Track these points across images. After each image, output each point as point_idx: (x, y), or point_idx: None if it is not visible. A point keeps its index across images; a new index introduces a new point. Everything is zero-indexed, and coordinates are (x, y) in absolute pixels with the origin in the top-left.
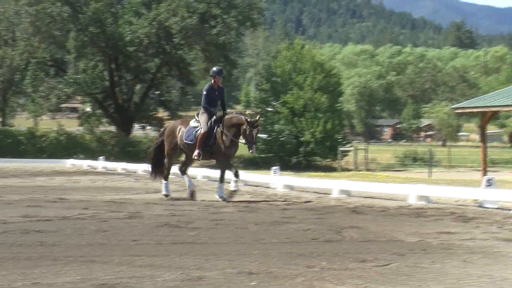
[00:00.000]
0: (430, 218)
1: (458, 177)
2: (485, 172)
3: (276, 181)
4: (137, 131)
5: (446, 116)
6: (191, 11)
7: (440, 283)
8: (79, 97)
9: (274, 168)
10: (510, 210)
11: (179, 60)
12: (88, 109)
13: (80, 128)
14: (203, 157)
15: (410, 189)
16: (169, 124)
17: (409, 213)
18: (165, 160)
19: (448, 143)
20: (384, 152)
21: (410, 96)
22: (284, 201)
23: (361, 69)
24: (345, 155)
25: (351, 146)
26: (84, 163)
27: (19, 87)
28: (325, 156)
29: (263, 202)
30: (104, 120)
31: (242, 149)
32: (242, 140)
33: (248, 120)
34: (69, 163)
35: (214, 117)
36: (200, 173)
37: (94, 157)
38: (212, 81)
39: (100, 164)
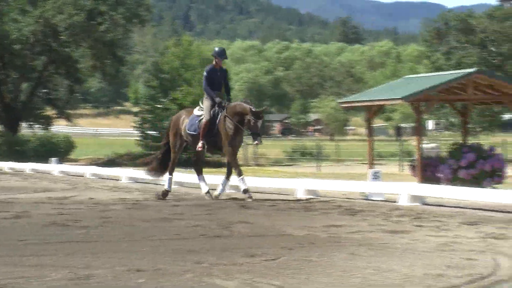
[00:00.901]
0: (318, 212)
1: (346, 171)
2: (371, 165)
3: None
4: (25, 130)
5: (333, 111)
6: (78, 8)
7: (328, 275)
8: None
9: None
10: (395, 202)
11: (66, 57)
12: None
13: None
14: (208, 148)
15: (298, 184)
16: (172, 117)
17: (298, 207)
18: (171, 155)
19: (336, 137)
20: (273, 147)
21: (298, 91)
22: (173, 198)
23: (249, 64)
24: None
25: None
26: None
27: None
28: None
29: (152, 199)
30: None
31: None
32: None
33: (253, 110)
34: None
35: (218, 99)
36: (89, 170)
37: None
38: (214, 62)
39: None
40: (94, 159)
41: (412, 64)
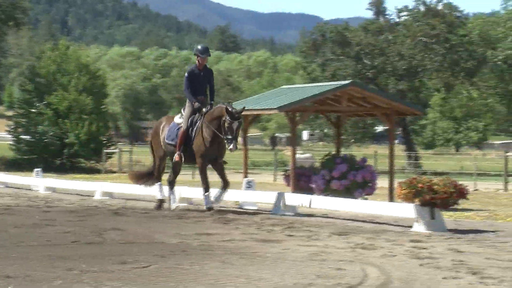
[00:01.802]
0: (191, 220)
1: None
2: (246, 175)
3: (39, 183)
4: None
5: None
6: None
7: (199, 283)
8: None
9: (36, 170)
10: (269, 211)
11: None
12: None
13: None
14: (186, 160)
15: (174, 191)
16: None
17: (172, 215)
18: (156, 162)
19: None
20: (148, 154)
21: (175, 99)
22: (45, 203)
23: (127, 71)
24: (110, 157)
25: (115, 148)
26: None
27: None
28: (89, 158)
29: (24, 205)
30: None
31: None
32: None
33: (229, 109)
34: None
35: (197, 105)
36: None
37: None
38: (197, 61)
39: None
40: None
41: (288, 74)
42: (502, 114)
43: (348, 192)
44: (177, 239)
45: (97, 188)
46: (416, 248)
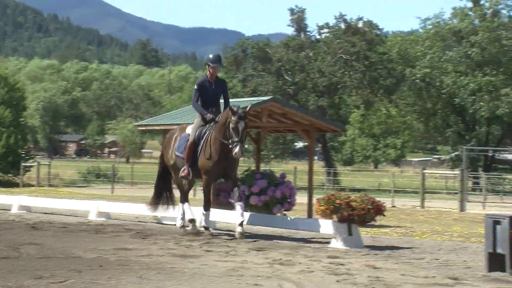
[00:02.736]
0: (109, 234)
1: (140, 194)
2: None
3: None
4: None
5: (130, 133)
6: None
7: None
8: None
9: None
10: (187, 227)
11: None
12: None
13: None
14: (195, 175)
15: (91, 205)
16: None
17: (89, 229)
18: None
19: (131, 160)
20: (67, 168)
21: (95, 112)
22: None
23: (47, 84)
24: (28, 170)
25: (34, 161)
26: None
27: None
28: (7, 171)
29: None
30: None
31: None
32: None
33: (234, 109)
34: None
35: (209, 116)
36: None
37: None
38: (208, 72)
39: None
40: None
41: None
42: (420, 131)
43: (267, 207)
44: (94, 254)
45: (14, 202)
46: (333, 264)
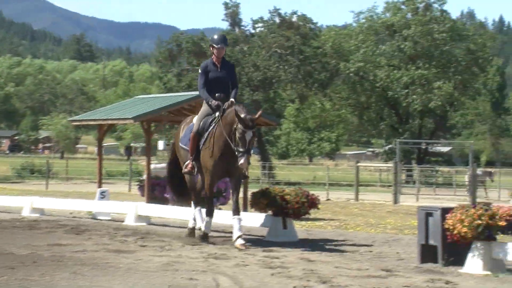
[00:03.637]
0: (43, 230)
1: (75, 189)
2: (100, 184)
3: None
4: None
5: (64, 128)
6: None
7: None
8: None
9: None
10: (122, 221)
11: None
12: None
13: None
14: (200, 170)
15: (24, 201)
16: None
17: (23, 226)
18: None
19: (66, 155)
20: (1, 164)
21: (29, 108)
22: None
23: None
24: None
25: None
26: None
27: None
28: None
29: None
30: None
31: None
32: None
33: (241, 116)
34: None
35: (214, 102)
36: None
37: None
38: (213, 55)
39: None
40: None
41: (144, 84)
42: (354, 125)
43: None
44: (28, 250)
45: None
46: (268, 257)
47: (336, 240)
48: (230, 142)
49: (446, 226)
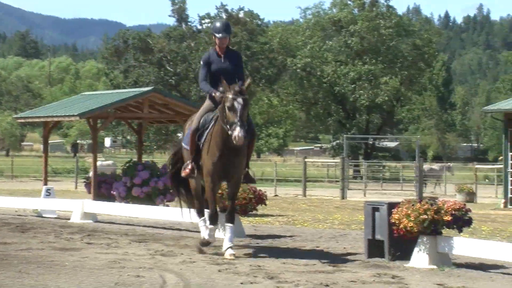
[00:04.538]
0: None
1: (21, 187)
2: (46, 182)
3: None
4: None
5: (9, 126)
6: None
7: None
8: None
9: None
10: (68, 219)
11: None
12: None
13: None
14: (199, 173)
15: None
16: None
17: None
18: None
19: (11, 153)
20: None
21: None
22: None
23: None
24: None
25: None
26: None
27: None
28: None
29: None
30: None
31: None
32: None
33: (229, 85)
34: None
35: (211, 90)
36: None
37: None
38: (216, 45)
39: None
40: None
41: (90, 81)
42: (302, 120)
43: (150, 199)
44: None
45: None
46: (215, 254)
47: (284, 236)
48: (227, 132)
49: (393, 221)
